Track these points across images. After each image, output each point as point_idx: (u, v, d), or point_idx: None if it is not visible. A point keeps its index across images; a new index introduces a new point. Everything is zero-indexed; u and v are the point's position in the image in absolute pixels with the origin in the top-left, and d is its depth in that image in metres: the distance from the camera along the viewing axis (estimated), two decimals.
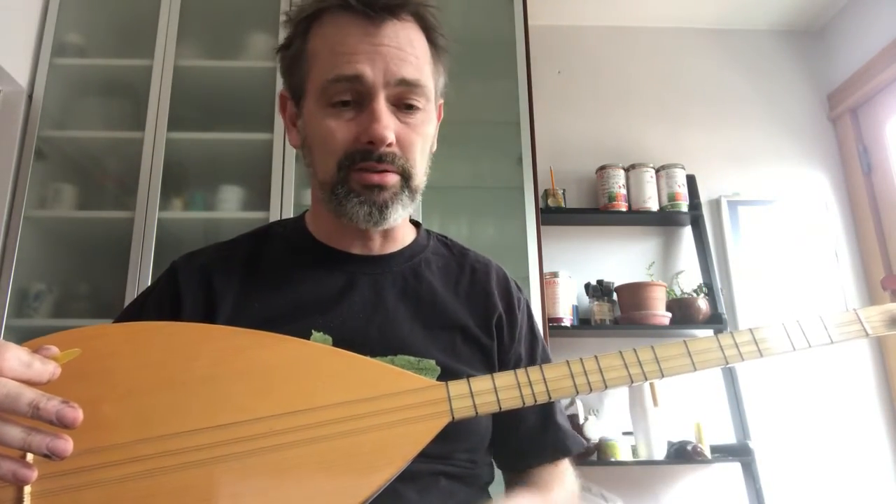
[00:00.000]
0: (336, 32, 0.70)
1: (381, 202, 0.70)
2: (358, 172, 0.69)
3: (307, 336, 0.69)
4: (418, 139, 0.71)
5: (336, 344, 0.69)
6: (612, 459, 1.96)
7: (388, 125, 0.68)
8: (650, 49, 2.59)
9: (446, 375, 0.69)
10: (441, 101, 0.80)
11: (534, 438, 0.78)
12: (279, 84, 1.86)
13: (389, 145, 0.68)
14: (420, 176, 0.73)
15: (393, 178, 0.70)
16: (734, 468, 2.06)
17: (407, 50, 0.69)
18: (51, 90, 1.86)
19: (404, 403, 0.57)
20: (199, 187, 1.90)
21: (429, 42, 0.74)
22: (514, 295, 0.83)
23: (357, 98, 0.69)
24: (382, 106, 0.68)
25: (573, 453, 0.80)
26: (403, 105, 0.70)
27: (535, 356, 0.82)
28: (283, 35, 0.77)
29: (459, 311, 0.77)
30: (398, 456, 0.55)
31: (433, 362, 0.70)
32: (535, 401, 0.57)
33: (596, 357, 0.59)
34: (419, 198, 0.75)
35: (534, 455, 0.79)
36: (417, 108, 0.71)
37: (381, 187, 0.69)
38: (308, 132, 0.73)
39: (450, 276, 0.80)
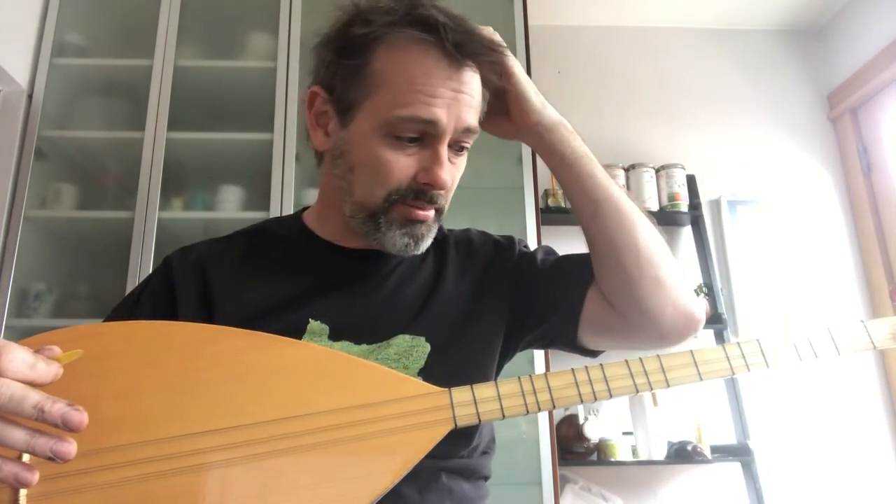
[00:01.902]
0: (417, 65, 0.66)
1: (420, 234, 0.71)
2: (404, 206, 0.69)
3: (304, 325, 0.69)
4: (458, 175, 0.74)
5: (333, 332, 0.69)
6: (612, 459, 1.96)
7: (448, 170, 0.69)
8: (650, 49, 2.59)
9: (436, 353, 0.70)
10: None
11: (565, 280, 0.77)
12: (279, 84, 1.88)
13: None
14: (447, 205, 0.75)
15: (432, 213, 0.72)
16: (734, 468, 2.06)
17: (475, 97, 0.69)
18: (51, 90, 1.86)
19: (406, 410, 0.56)
20: (199, 187, 1.90)
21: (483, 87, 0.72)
22: (500, 242, 0.84)
23: (421, 136, 0.68)
24: (446, 150, 0.68)
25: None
26: (457, 147, 0.71)
27: (543, 262, 0.81)
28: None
29: (450, 288, 0.77)
30: (399, 463, 0.54)
31: (423, 339, 0.71)
32: (539, 409, 0.57)
33: (601, 366, 0.59)
34: None
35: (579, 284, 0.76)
36: (465, 150, 0.73)
37: (422, 222, 0.71)
38: (354, 151, 0.70)
39: (439, 255, 0.81)
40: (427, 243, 0.73)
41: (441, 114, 0.66)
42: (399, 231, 0.70)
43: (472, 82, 0.68)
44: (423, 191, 0.69)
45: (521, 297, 0.78)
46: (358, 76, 0.68)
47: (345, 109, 0.70)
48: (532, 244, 1.81)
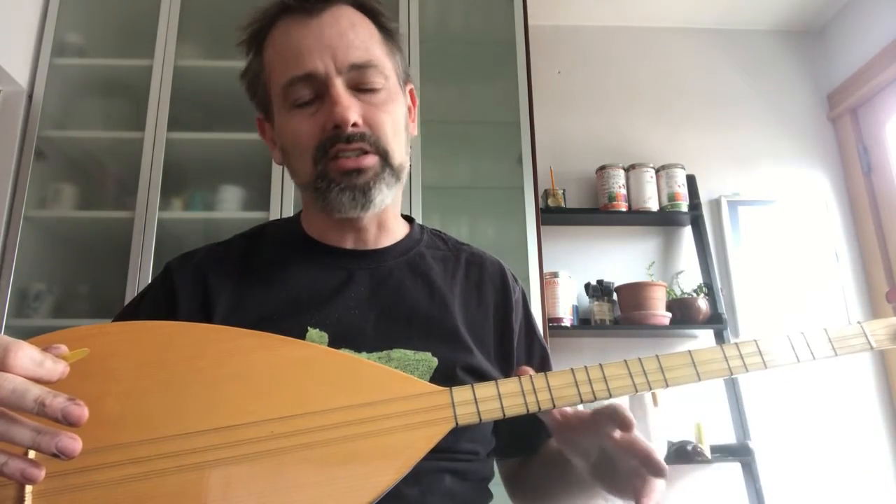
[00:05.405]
0: (282, 37, 0.72)
1: (363, 185, 0.69)
2: (334, 161, 0.69)
3: (303, 333, 0.69)
4: (386, 117, 0.71)
5: (332, 340, 0.69)
6: None
7: (350, 106, 0.68)
8: (650, 49, 2.59)
9: (444, 367, 0.70)
10: (410, 85, 0.81)
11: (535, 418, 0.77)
12: None
13: (355, 125, 0.68)
14: (400, 154, 0.73)
15: (371, 160, 0.69)
16: (734, 468, 2.06)
17: (350, 35, 0.70)
18: (51, 90, 1.86)
19: (407, 408, 0.56)
20: (199, 187, 1.90)
21: (375, 25, 0.74)
22: (510, 286, 0.83)
23: (317, 93, 0.70)
24: (340, 89, 0.68)
25: None
26: (362, 88, 0.71)
27: (532, 355, 0.82)
28: None
29: (456, 303, 0.77)
30: (400, 461, 0.54)
31: (429, 354, 0.70)
32: (539, 408, 0.57)
33: (601, 365, 0.59)
34: (405, 178, 0.75)
35: (537, 434, 0.79)
36: (378, 89, 0.71)
37: (359, 171, 0.69)
38: (282, 141, 0.74)
39: (446, 268, 0.80)
40: (381, 196, 0.71)
41: (314, 64, 0.69)
42: (338, 187, 0.69)
43: (337, 22, 0.70)
44: (336, 135, 0.68)
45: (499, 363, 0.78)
46: (259, 79, 0.76)
47: (270, 114, 0.76)
48: (532, 244, 1.83)
